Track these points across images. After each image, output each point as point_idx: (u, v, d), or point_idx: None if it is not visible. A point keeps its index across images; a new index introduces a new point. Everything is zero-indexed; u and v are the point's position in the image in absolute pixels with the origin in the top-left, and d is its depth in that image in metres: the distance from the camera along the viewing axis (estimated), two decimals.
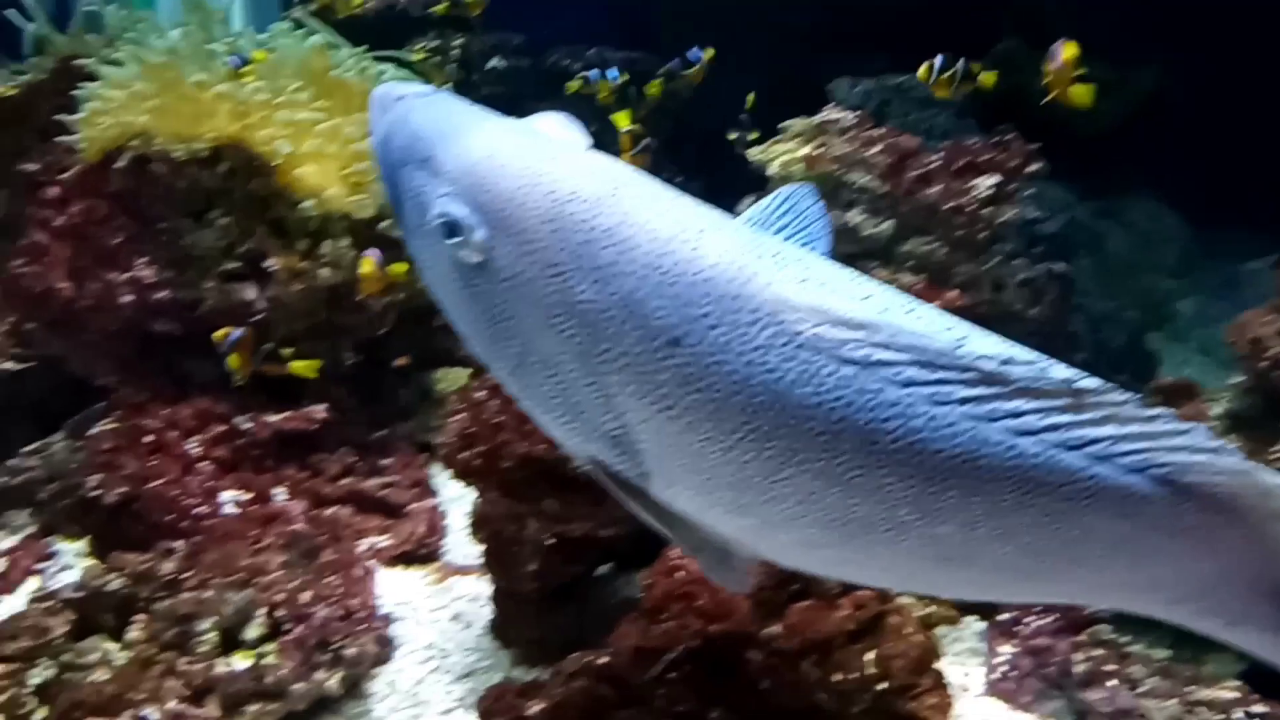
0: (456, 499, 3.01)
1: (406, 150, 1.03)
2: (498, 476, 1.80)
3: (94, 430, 2.68)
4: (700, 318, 0.90)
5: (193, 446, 2.70)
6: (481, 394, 1.81)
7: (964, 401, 0.89)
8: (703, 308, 0.90)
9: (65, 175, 2.76)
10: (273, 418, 2.84)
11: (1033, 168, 2.51)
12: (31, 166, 3.06)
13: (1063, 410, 0.89)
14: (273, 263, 2.71)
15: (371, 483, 2.87)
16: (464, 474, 1.89)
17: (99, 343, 2.81)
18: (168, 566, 2.08)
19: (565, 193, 0.94)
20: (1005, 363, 0.88)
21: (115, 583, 2.06)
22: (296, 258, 2.74)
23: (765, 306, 0.89)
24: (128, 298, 2.71)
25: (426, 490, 2.97)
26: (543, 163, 0.96)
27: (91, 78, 2.82)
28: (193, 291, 2.71)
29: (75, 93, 2.77)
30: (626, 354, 0.92)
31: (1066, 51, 2.21)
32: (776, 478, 0.92)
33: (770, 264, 0.91)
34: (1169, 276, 5.21)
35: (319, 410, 2.87)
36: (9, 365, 3.33)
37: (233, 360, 2.59)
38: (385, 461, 3.00)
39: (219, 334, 2.58)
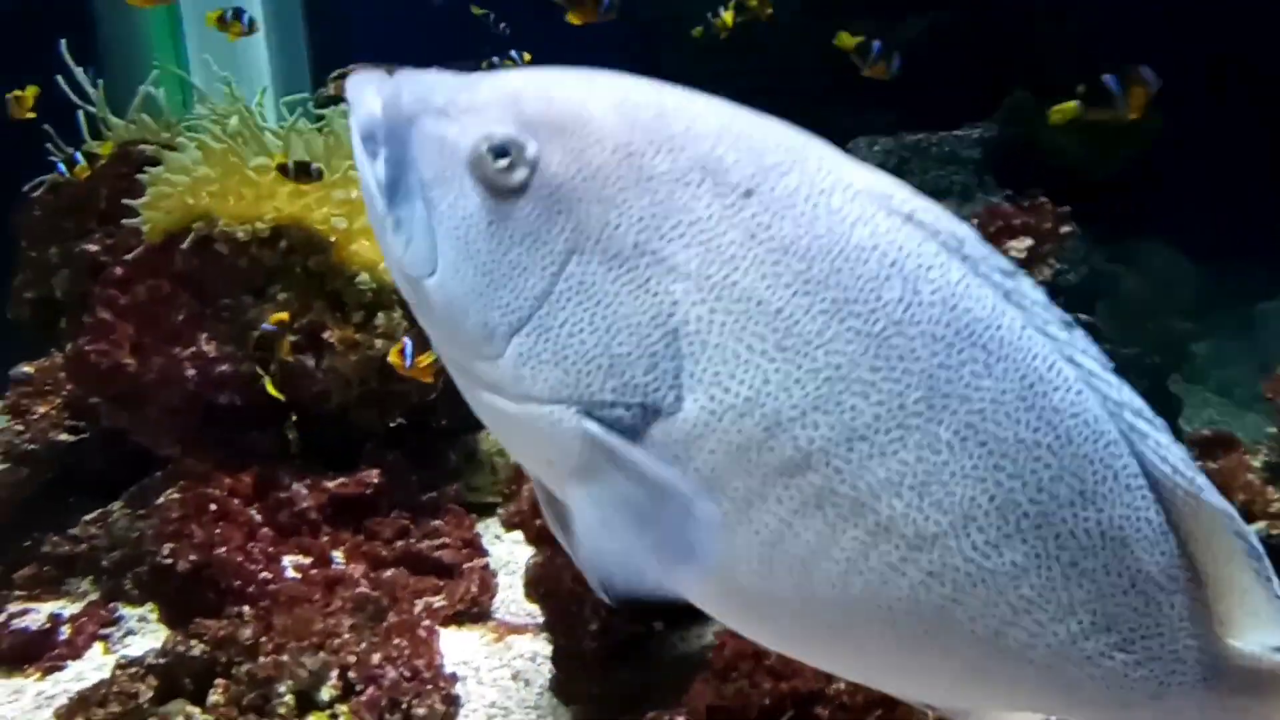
0: (504, 557, 3.11)
1: (422, 101, 0.99)
2: None
3: (161, 500, 2.79)
4: (774, 166, 0.95)
5: (255, 514, 2.81)
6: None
7: (992, 276, 0.97)
8: (776, 155, 0.95)
9: (129, 256, 2.89)
10: (329, 483, 2.95)
11: (1065, 229, 2.64)
12: (93, 248, 3.21)
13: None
14: (330, 335, 2.83)
15: (425, 544, 2.97)
16: (537, 540, 1.99)
17: (162, 415, 2.93)
18: (246, 632, 2.17)
19: (626, 84, 0.98)
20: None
21: (197, 649, 2.16)
22: (352, 330, 2.86)
23: (825, 158, 0.97)
24: (191, 372, 2.83)
25: (477, 550, 3.06)
26: (587, 73, 0.99)
27: (152, 162, 2.96)
28: (253, 365, 2.83)
29: (138, 177, 2.91)
30: (699, 219, 0.94)
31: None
32: (817, 343, 0.94)
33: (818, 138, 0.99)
34: (1184, 318, 5.31)
35: (373, 475, 2.98)
36: (65, 437, 3.46)
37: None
38: (436, 522, 3.11)
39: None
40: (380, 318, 2.89)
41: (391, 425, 3.19)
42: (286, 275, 2.82)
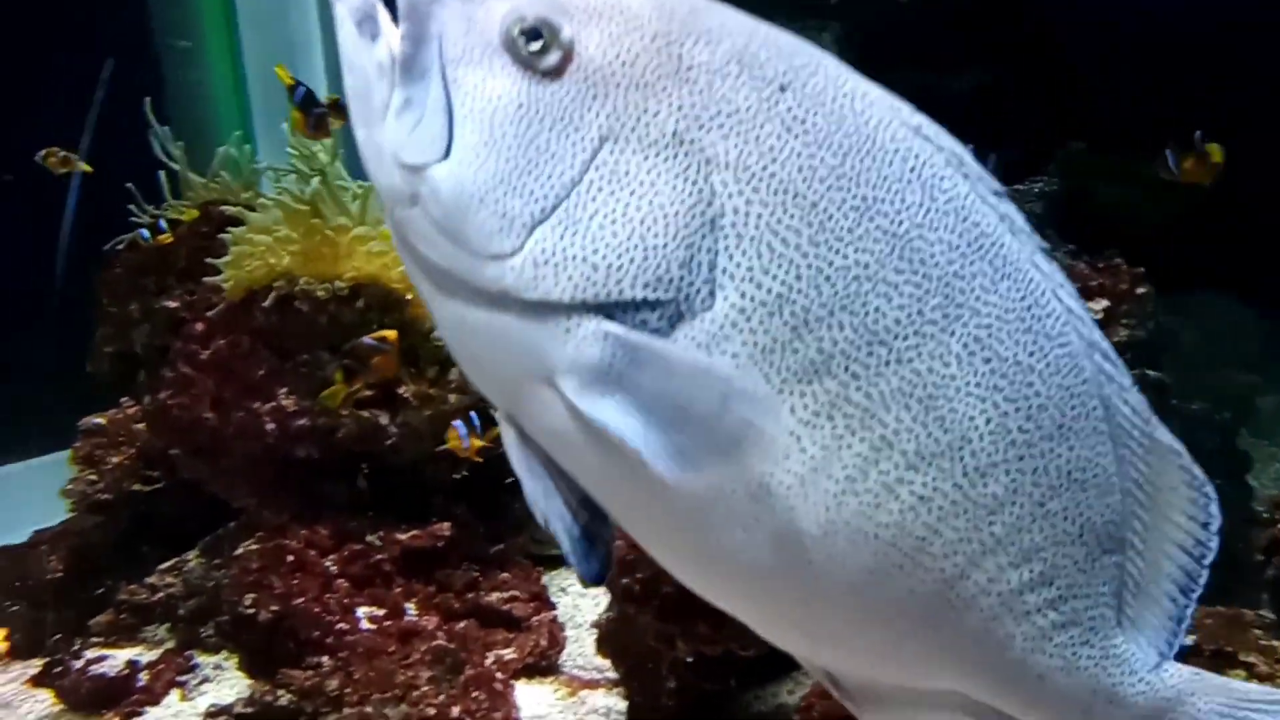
0: (569, 611, 3.13)
1: None
2: (658, 601, 1.93)
3: (240, 551, 2.84)
4: (802, 66, 0.96)
5: (330, 565, 2.85)
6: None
7: (988, 198, 1.00)
8: (803, 58, 0.97)
9: (211, 313, 2.97)
10: (401, 535, 2.99)
11: (1141, 290, 2.65)
12: (172, 304, 3.31)
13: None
14: (405, 390, 2.89)
15: (494, 596, 3.00)
16: (623, 599, 2.02)
17: (241, 467, 3.00)
18: (332, 684, 2.21)
19: None
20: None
21: (284, 698, 2.20)
22: (426, 384, 2.92)
23: (841, 67, 1.00)
24: (270, 426, 2.90)
25: (545, 603, 3.09)
26: None
27: (233, 221, 3.05)
28: (330, 419, 2.90)
29: (221, 236, 3.00)
30: (738, 110, 0.94)
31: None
32: (848, 240, 0.94)
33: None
34: (1248, 371, 5.25)
35: (444, 528, 3.02)
36: (139, 487, 3.54)
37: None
38: (504, 575, 3.14)
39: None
40: (454, 373, 2.94)
41: (458, 477, 3.24)
42: (364, 332, 2.88)
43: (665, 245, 0.91)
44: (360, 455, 2.99)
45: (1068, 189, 4.90)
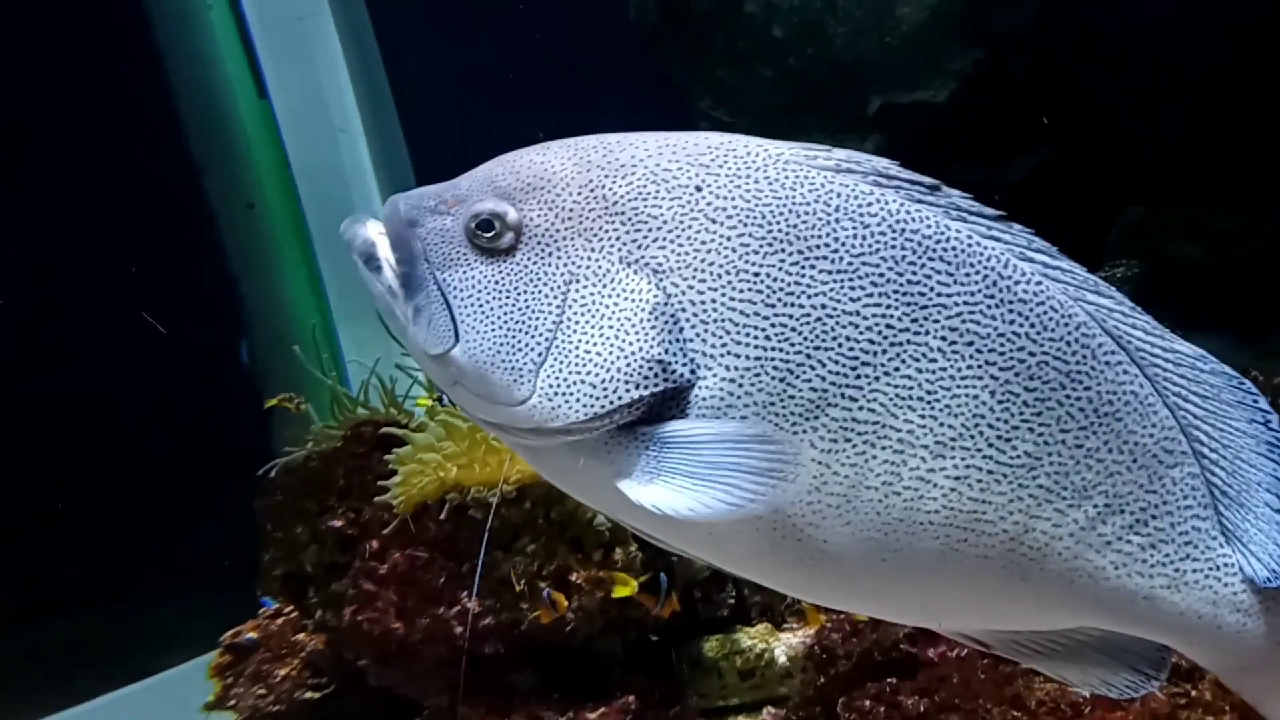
0: None
1: (417, 207, 1.17)
2: None
3: None
4: (711, 162, 1.14)
5: None
6: (866, 703, 2.10)
7: (924, 198, 1.13)
8: (711, 154, 1.14)
9: (386, 530, 3.19)
10: (591, 715, 3.14)
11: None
12: (338, 523, 3.52)
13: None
14: (576, 577, 3.08)
15: None
16: None
17: (432, 670, 3.18)
18: None
19: (576, 139, 1.17)
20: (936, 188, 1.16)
21: None
22: (595, 568, 3.10)
23: (751, 144, 1.16)
24: (459, 629, 3.08)
25: None
26: (543, 143, 1.17)
27: (395, 442, 3.28)
28: (512, 613, 3.08)
29: (385, 457, 3.23)
30: (665, 221, 1.11)
31: None
32: (798, 291, 1.10)
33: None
34: None
35: (630, 701, 3.17)
36: (310, 695, 3.72)
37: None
38: None
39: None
40: (618, 553, 3.12)
41: (625, 646, 3.39)
42: (531, 528, 3.08)
43: (641, 349, 1.09)
44: (541, 643, 3.16)
45: (1152, 263, 4.96)
